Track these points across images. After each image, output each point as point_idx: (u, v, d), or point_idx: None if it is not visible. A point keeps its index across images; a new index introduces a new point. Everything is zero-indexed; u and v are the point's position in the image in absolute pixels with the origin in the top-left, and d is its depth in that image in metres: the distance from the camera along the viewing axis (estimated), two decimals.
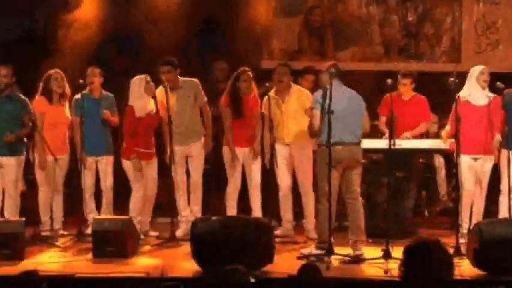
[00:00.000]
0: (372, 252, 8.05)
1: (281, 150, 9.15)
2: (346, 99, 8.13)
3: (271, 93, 9.22)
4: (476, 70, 8.85)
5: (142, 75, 9.14)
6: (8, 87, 8.97)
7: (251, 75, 9.27)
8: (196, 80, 9.44)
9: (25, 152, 9.11)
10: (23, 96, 9.10)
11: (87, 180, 9.32)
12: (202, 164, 9.41)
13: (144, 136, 9.10)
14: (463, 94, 8.75)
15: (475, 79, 8.79)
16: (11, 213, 8.95)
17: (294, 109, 9.15)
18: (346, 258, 7.91)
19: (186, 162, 9.41)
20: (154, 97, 9.14)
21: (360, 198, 8.27)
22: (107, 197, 9.36)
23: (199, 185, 9.40)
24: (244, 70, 9.28)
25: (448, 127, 8.92)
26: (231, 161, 9.28)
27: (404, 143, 8.88)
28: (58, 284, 6.81)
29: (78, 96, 9.24)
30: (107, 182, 9.36)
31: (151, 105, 9.13)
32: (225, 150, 9.36)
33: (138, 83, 9.12)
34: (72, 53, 11.15)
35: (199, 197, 9.41)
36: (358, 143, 8.21)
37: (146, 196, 9.21)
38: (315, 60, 11.24)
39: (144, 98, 9.08)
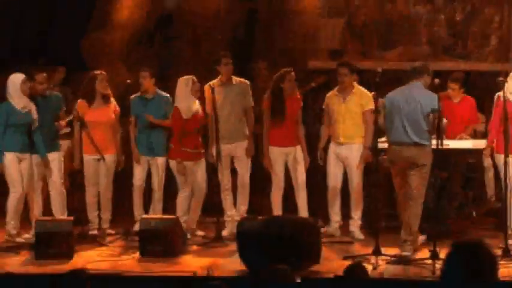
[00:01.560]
0: (419, 252, 8.02)
1: (334, 149, 9.12)
2: (415, 100, 8.12)
3: (334, 90, 9.20)
4: None
5: (189, 76, 9.19)
6: (47, 88, 9.14)
7: (294, 76, 9.28)
8: (248, 82, 9.48)
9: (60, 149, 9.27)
10: (57, 93, 9.28)
11: (137, 180, 9.40)
12: (249, 164, 9.42)
13: (191, 136, 9.13)
14: (505, 93, 8.64)
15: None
16: (60, 209, 9.06)
17: (353, 109, 9.10)
18: (393, 259, 7.88)
19: (232, 162, 9.43)
20: (199, 97, 9.21)
21: (420, 200, 8.20)
22: (157, 197, 9.40)
23: (247, 185, 9.40)
24: (288, 70, 9.27)
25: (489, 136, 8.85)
26: (271, 161, 9.28)
27: (452, 143, 8.82)
28: (106, 283, 6.86)
29: (133, 96, 9.38)
30: (158, 182, 9.39)
31: (196, 106, 9.18)
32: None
33: (184, 83, 9.16)
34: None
35: (247, 197, 9.40)
36: (418, 144, 8.13)
37: (195, 196, 9.24)
38: (359, 60, 11.20)
39: (189, 98, 9.12)
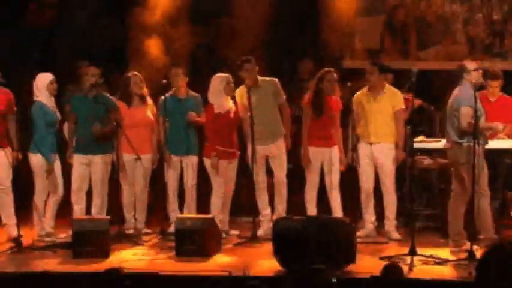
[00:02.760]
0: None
1: (364, 149, 9.09)
2: (451, 101, 8.13)
3: (364, 90, 9.17)
4: None
5: (225, 75, 9.20)
6: (95, 87, 9.14)
7: (335, 76, 9.25)
8: (275, 79, 9.45)
9: (114, 152, 9.24)
10: (109, 96, 9.28)
11: (171, 180, 9.42)
12: (285, 162, 9.40)
13: (226, 135, 9.15)
14: None
15: None
16: (98, 211, 9.12)
17: (384, 109, 9.06)
18: (430, 259, 7.84)
19: (267, 162, 9.42)
20: (233, 98, 9.22)
21: (458, 200, 8.20)
22: (191, 196, 9.41)
23: (284, 184, 9.37)
24: (329, 71, 9.26)
25: None
26: (307, 161, 9.26)
27: (490, 143, 8.76)
28: (142, 282, 6.90)
29: (164, 96, 9.37)
30: (191, 181, 9.41)
31: (230, 104, 9.19)
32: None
33: (219, 81, 9.17)
34: None
35: (284, 196, 9.36)
36: (454, 142, 8.17)
37: (225, 195, 9.25)
38: (397, 60, 11.16)
39: (222, 95, 9.14)
